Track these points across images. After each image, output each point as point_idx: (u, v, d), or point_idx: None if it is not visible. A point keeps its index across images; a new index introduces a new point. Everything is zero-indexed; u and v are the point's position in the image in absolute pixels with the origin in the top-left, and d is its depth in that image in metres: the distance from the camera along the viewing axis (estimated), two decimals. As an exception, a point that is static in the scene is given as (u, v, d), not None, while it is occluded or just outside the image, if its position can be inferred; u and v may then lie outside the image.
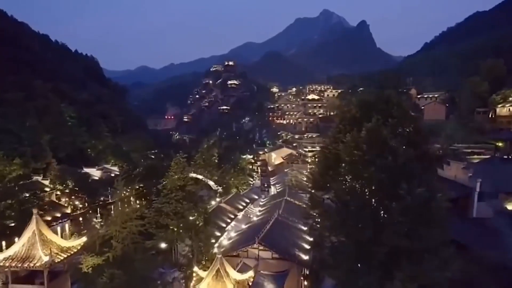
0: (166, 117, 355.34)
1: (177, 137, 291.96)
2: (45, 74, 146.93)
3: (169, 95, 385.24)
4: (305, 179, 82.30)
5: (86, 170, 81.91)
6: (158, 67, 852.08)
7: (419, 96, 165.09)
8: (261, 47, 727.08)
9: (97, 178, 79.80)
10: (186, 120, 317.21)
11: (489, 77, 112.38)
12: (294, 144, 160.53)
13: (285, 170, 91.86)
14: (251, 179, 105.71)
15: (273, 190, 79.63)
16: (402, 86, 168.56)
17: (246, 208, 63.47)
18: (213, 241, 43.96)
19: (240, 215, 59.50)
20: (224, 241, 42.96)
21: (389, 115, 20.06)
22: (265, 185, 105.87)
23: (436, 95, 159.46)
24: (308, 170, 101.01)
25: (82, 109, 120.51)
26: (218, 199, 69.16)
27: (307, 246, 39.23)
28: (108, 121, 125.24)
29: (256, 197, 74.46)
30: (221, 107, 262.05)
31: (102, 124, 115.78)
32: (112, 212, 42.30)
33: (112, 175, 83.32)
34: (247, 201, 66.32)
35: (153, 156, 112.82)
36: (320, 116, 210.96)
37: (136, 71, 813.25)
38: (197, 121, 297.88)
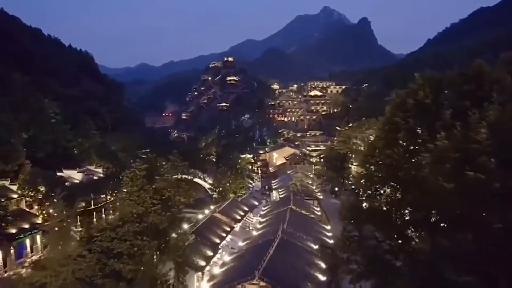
0: (164, 114, 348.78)
1: (175, 135, 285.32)
2: (32, 68, 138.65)
3: (168, 92, 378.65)
4: (310, 182, 73.71)
5: (66, 172, 73.26)
6: (158, 65, 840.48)
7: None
8: (261, 44, 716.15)
9: (77, 181, 71.18)
10: (184, 117, 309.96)
11: (510, 70, 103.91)
12: (297, 143, 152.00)
13: (288, 172, 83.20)
14: (251, 181, 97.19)
15: (275, 195, 71.03)
16: (409, 81, 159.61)
17: (245, 218, 54.94)
18: (203, 263, 35.48)
19: (237, 227, 50.95)
20: (216, 267, 34.40)
21: (484, 97, 11.38)
22: (266, 187, 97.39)
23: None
24: (313, 172, 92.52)
25: (69, 105, 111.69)
26: (212, 207, 60.70)
27: (321, 276, 30.66)
28: (98, 118, 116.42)
29: (256, 203, 65.86)
30: (220, 104, 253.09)
31: (90, 121, 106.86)
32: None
33: (95, 177, 74.81)
34: (246, 209, 57.70)
35: (144, 156, 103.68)
36: (323, 113, 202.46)
37: (136, 69, 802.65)
38: (195, 118, 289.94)
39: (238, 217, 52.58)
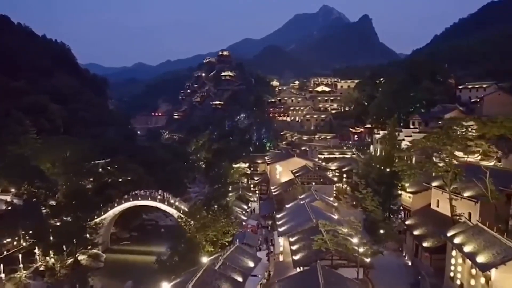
0: (153, 113, 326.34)
1: (167, 136, 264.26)
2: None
3: (163, 90, 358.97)
4: (343, 222, 45.15)
5: None
6: (155, 64, 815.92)
7: (461, 87, 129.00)
8: (260, 43, 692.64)
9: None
10: (176, 117, 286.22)
11: None
12: (303, 148, 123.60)
13: (299, 197, 54.65)
14: (245, 207, 69.09)
15: (282, 244, 42.65)
16: (440, 73, 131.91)
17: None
18: None
19: None
20: None
21: None
22: (266, 215, 69.17)
23: (484, 85, 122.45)
24: (335, 194, 64.16)
25: (3, 101, 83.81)
26: (166, 285, 31.95)
27: None
28: (43, 117, 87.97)
29: (251, 264, 37.23)
30: (214, 102, 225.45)
31: (27, 122, 78.50)
32: None
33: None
34: (230, 291, 29.24)
35: (101, 170, 75.23)
36: (333, 111, 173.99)
37: (132, 68, 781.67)
38: (188, 118, 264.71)
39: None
